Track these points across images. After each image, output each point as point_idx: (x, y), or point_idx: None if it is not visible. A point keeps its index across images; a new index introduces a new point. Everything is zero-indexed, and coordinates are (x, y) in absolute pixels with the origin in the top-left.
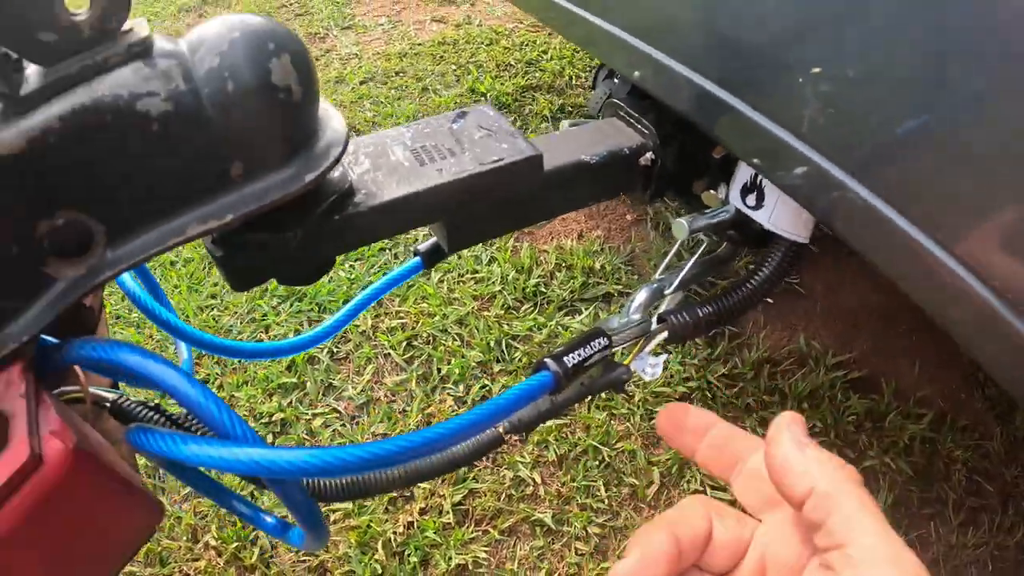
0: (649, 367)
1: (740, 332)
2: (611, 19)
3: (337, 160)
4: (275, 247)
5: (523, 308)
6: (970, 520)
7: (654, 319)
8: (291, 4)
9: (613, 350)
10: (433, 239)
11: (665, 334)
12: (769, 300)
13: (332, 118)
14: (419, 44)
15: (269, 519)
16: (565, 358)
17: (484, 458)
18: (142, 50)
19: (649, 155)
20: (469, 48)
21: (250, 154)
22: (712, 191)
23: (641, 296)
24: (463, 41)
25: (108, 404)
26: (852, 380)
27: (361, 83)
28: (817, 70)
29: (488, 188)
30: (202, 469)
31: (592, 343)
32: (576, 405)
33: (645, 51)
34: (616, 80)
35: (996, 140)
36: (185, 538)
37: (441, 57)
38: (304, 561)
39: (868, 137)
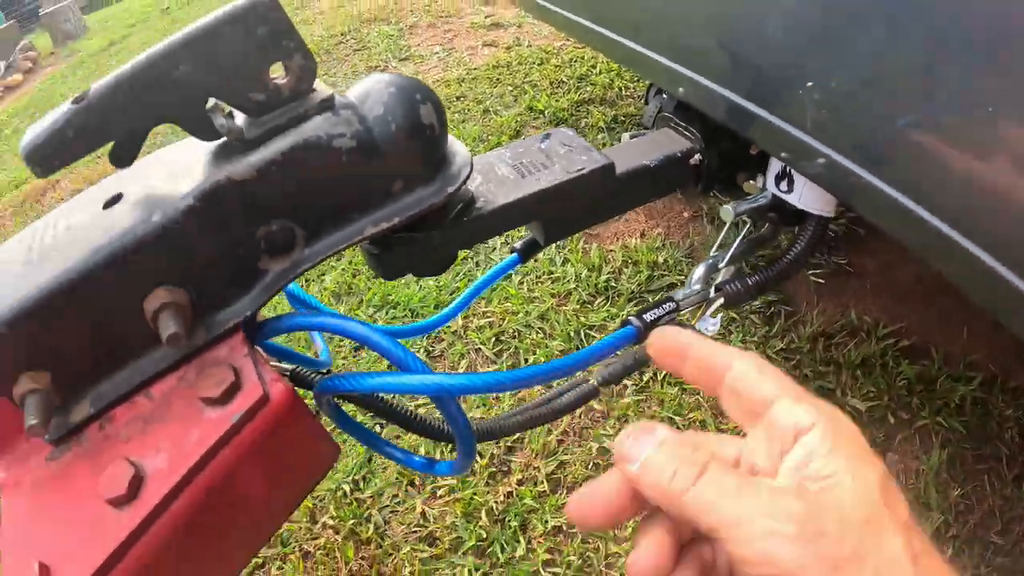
0: (710, 325)
1: (795, 310)
2: (653, 47)
3: (468, 177)
4: (421, 244)
5: (596, 302)
6: None
7: (712, 288)
8: (348, 40)
9: (680, 314)
10: (527, 237)
11: (721, 300)
12: (821, 281)
13: (457, 145)
14: (474, 69)
15: (418, 458)
16: (644, 315)
17: (575, 415)
18: (329, 104)
19: (697, 156)
20: (522, 69)
21: (407, 174)
22: (752, 181)
23: (700, 270)
24: (516, 63)
25: (287, 373)
26: (903, 348)
27: None
28: (810, 84)
29: (575, 191)
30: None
31: (664, 305)
32: (650, 383)
33: (683, 72)
34: (665, 96)
35: (962, 134)
36: (304, 519)
37: (497, 80)
38: (415, 532)
39: (860, 132)
